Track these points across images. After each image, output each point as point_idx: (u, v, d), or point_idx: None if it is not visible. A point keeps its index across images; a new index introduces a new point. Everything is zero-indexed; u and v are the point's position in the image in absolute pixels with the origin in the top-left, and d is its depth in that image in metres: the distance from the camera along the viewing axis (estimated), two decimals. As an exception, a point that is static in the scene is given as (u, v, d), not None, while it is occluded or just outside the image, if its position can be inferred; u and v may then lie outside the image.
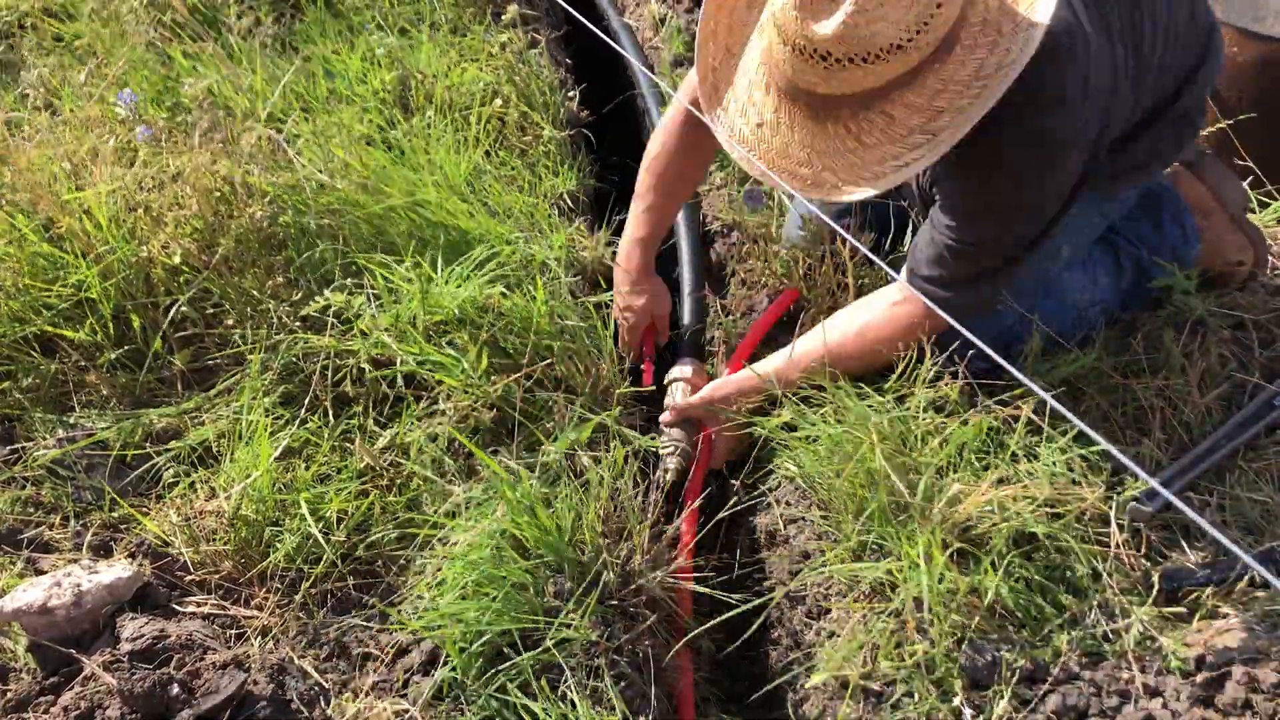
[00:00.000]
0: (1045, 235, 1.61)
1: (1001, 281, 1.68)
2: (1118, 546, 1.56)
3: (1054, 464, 1.66)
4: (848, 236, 1.43)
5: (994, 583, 1.50)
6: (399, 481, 1.81)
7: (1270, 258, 2.05)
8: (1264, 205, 2.24)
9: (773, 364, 1.86)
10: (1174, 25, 1.64)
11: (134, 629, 1.52)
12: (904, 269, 1.76)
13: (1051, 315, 1.80)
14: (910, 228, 2.05)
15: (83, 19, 2.89)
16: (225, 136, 2.30)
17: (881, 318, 1.76)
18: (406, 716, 1.48)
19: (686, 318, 2.22)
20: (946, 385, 1.73)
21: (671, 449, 1.91)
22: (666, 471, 1.89)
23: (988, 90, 1.32)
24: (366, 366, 1.89)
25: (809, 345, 1.82)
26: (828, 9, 1.29)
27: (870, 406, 1.71)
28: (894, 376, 1.79)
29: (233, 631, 1.61)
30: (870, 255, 1.43)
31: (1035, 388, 1.02)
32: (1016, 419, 1.68)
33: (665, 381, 2.07)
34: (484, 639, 1.51)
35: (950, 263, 1.63)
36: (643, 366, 2.10)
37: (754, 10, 1.53)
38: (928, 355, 1.73)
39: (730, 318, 2.30)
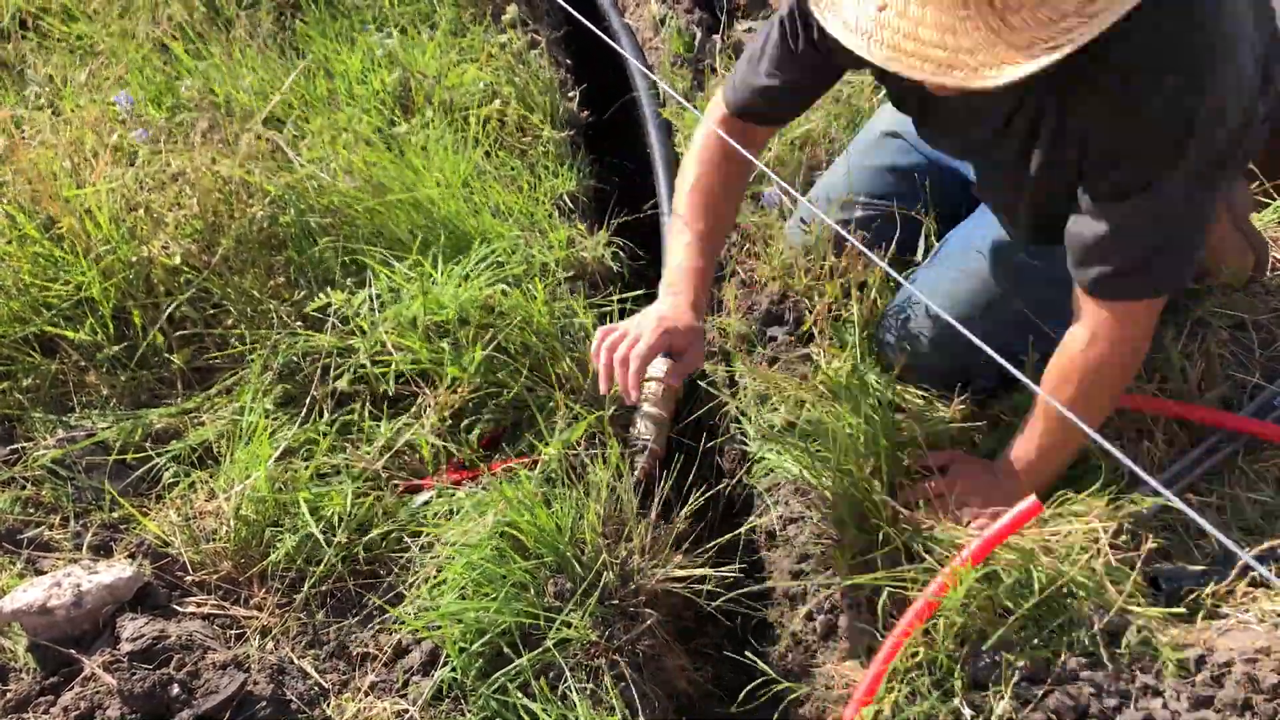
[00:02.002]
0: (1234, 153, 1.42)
1: (1208, 209, 1.46)
2: (1118, 547, 1.56)
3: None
4: (849, 238, 1.43)
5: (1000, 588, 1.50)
6: (399, 481, 1.81)
7: (1271, 257, 2.05)
8: (1263, 205, 2.24)
9: (1031, 466, 1.68)
10: None
11: (134, 629, 1.52)
12: (1082, 285, 1.54)
13: (1058, 334, 1.77)
14: (923, 235, 2.02)
15: (85, 19, 2.89)
16: (225, 136, 2.30)
17: (1086, 368, 1.56)
18: (406, 716, 1.48)
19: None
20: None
21: (639, 447, 1.92)
22: (635, 470, 1.87)
23: None
24: (366, 364, 1.89)
25: (1043, 445, 1.66)
26: None
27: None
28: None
29: (233, 631, 1.61)
30: (872, 256, 1.42)
31: (1037, 389, 1.02)
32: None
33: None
34: (484, 639, 1.51)
35: (1141, 228, 1.43)
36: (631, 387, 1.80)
37: None
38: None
39: (730, 317, 2.30)
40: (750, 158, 1.63)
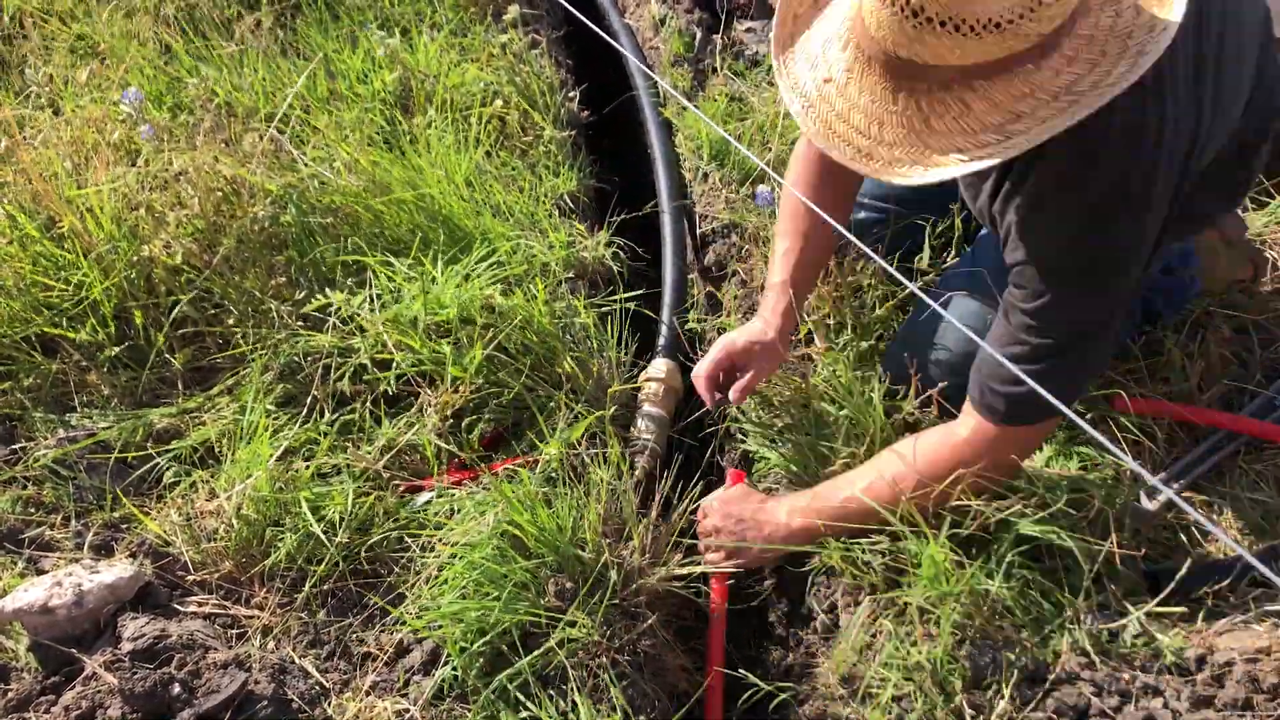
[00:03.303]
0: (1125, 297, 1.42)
1: (1092, 355, 1.45)
2: (1118, 546, 1.56)
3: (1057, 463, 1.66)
4: (854, 240, 1.43)
5: (996, 583, 1.50)
6: (399, 481, 1.81)
7: (1271, 257, 2.06)
8: (1262, 205, 2.24)
9: (820, 505, 1.64)
10: (1255, 99, 1.55)
11: (135, 628, 1.52)
12: (970, 394, 1.54)
13: None
14: (927, 241, 2.02)
15: (86, 19, 2.89)
16: (228, 136, 2.30)
17: (945, 461, 1.53)
18: (407, 716, 1.48)
19: (666, 312, 2.22)
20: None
21: (640, 447, 1.92)
22: (634, 469, 1.88)
23: (1076, 106, 1.21)
24: (367, 363, 1.89)
25: (859, 494, 1.59)
26: None
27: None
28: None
29: (234, 631, 1.61)
30: (879, 260, 1.41)
31: (1040, 389, 1.02)
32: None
33: (640, 380, 2.07)
34: (485, 638, 1.51)
35: (1035, 333, 1.42)
36: (708, 399, 1.84)
37: None
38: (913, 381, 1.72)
39: (729, 318, 2.30)
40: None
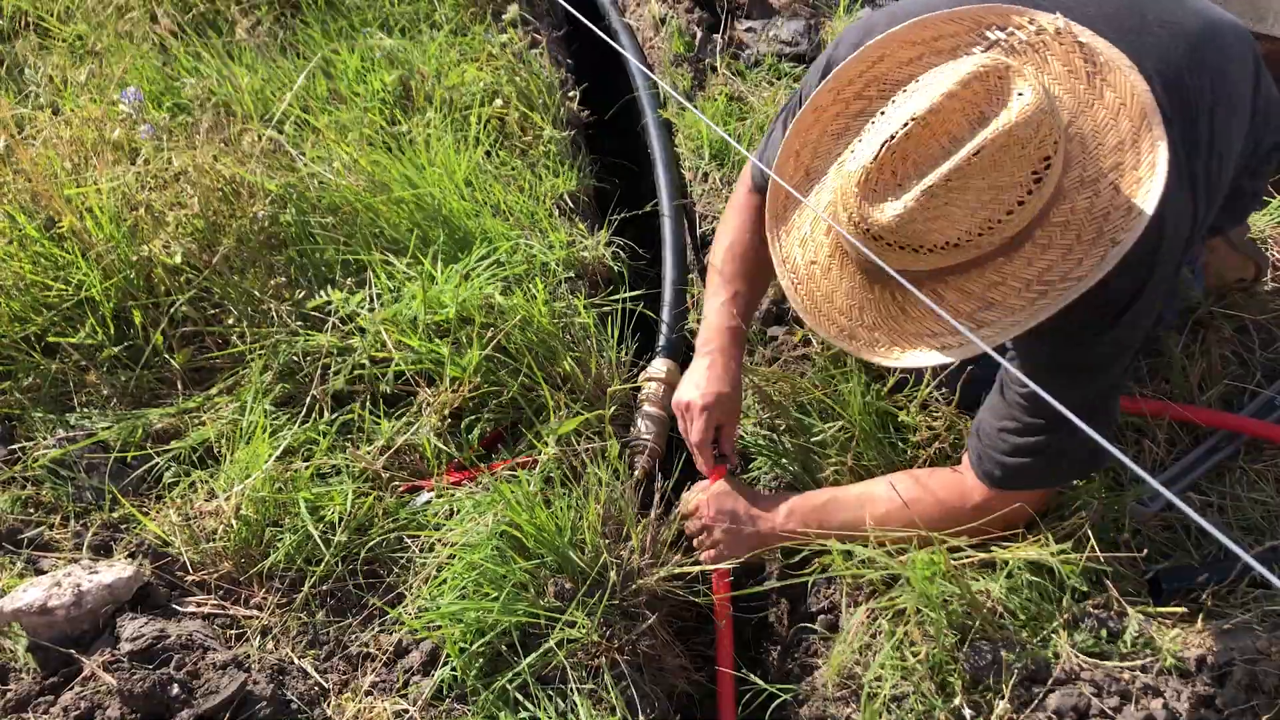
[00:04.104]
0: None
1: (1082, 432, 1.53)
2: (1118, 547, 1.56)
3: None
4: (850, 236, 1.43)
5: (996, 583, 1.50)
6: (398, 481, 1.81)
7: (1271, 257, 2.05)
8: (1262, 205, 2.24)
9: (798, 518, 1.67)
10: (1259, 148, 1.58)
11: (134, 629, 1.52)
12: (969, 457, 1.57)
13: None
14: None
15: (85, 19, 2.89)
16: (227, 136, 2.30)
17: (953, 510, 1.57)
18: (406, 717, 1.48)
19: (666, 311, 2.22)
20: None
21: (640, 447, 1.92)
22: (634, 470, 1.88)
23: (1045, 300, 1.21)
24: (366, 363, 1.89)
25: (834, 515, 1.64)
26: (891, 194, 1.19)
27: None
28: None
29: (233, 631, 1.61)
30: (873, 257, 1.41)
31: (1040, 389, 1.02)
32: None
33: (640, 380, 2.06)
34: (484, 639, 1.51)
35: (1027, 412, 1.45)
36: (708, 469, 1.81)
37: (841, 142, 1.39)
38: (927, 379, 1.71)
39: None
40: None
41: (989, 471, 1.52)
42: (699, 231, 2.59)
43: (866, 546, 1.56)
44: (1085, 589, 1.52)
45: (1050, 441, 1.45)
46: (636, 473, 1.86)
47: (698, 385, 1.79)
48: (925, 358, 1.29)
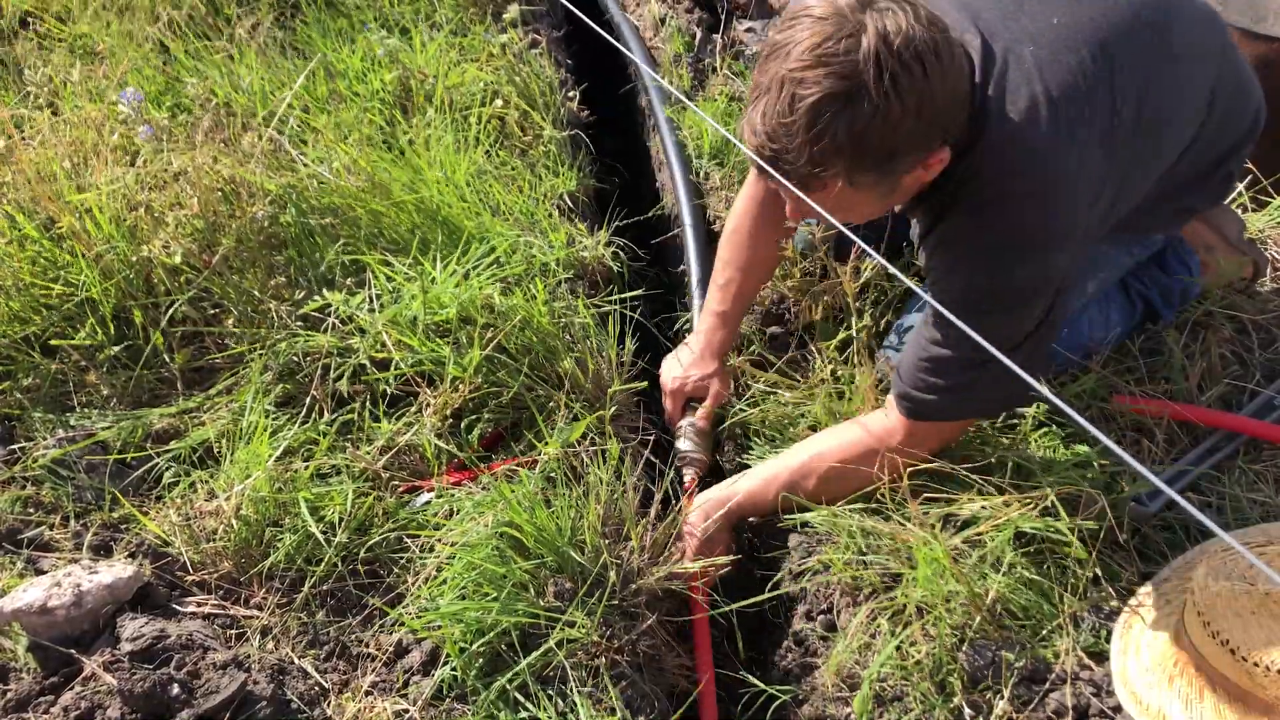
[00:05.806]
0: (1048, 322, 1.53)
1: (999, 371, 1.58)
2: (1119, 546, 1.56)
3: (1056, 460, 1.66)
4: (851, 236, 1.43)
5: (995, 583, 1.50)
6: (398, 481, 1.81)
7: (1271, 257, 2.06)
8: (1262, 205, 2.24)
9: (751, 480, 1.77)
10: (1221, 111, 1.62)
11: (134, 629, 1.52)
12: (892, 390, 1.65)
13: (1063, 349, 1.80)
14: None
15: (86, 19, 2.89)
16: (227, 136, 2.30)
17: (860, 450, 1.67)
18: (406, 717, 1.48)
19: (697, 316, 2.22)
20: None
21: (688, 460, 1.96)
22: (683, 481, 1.93)
23: None
24: (366, 363, 1.89)
25: (781, 470, 1.74)
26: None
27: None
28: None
29: (233, 631, 1.61)
30: (879, 258, 1.41)
31: (1039, 388, 1.02)
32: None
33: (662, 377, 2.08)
34: (484, 639, 1.51)
35: (941, 346, 1.54)
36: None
37: None
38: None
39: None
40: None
41: (903, 403, 1.60)
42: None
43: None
44: (1085, 586, 1.52)
45: (961, 378, 1.52)
46: (687, 483, 1.89)
47: (673, 368, 2.03)
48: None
